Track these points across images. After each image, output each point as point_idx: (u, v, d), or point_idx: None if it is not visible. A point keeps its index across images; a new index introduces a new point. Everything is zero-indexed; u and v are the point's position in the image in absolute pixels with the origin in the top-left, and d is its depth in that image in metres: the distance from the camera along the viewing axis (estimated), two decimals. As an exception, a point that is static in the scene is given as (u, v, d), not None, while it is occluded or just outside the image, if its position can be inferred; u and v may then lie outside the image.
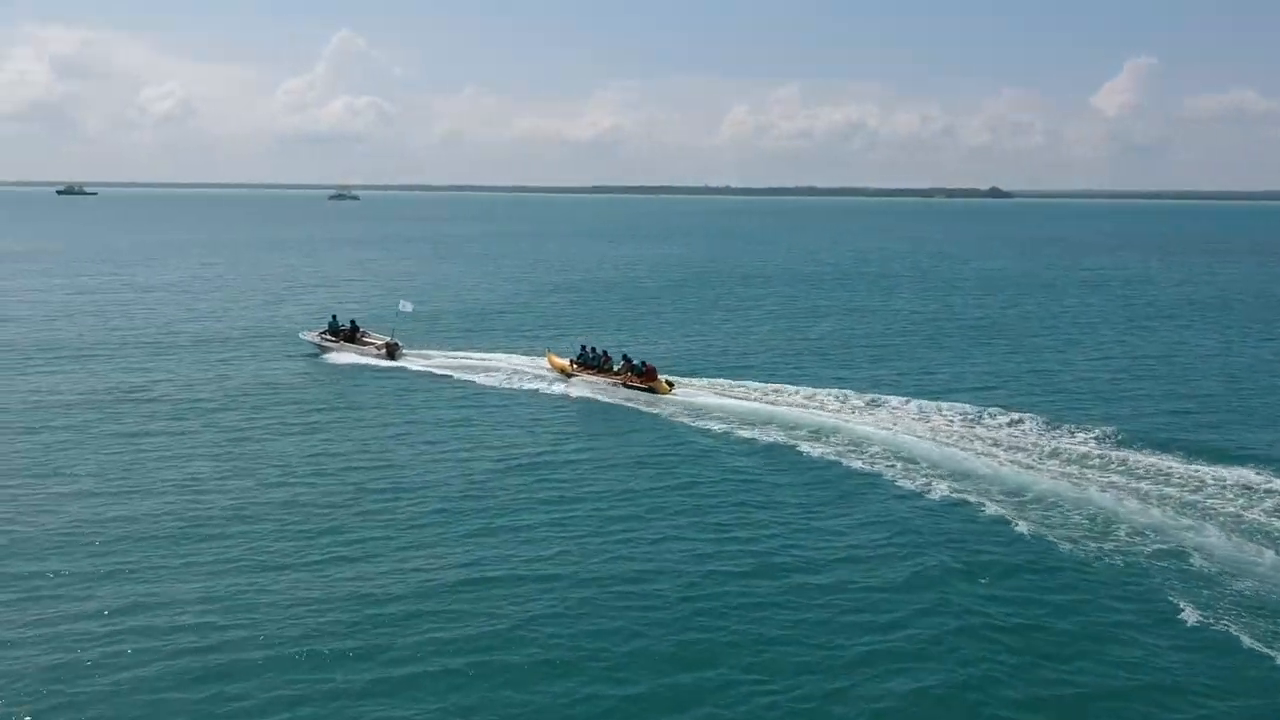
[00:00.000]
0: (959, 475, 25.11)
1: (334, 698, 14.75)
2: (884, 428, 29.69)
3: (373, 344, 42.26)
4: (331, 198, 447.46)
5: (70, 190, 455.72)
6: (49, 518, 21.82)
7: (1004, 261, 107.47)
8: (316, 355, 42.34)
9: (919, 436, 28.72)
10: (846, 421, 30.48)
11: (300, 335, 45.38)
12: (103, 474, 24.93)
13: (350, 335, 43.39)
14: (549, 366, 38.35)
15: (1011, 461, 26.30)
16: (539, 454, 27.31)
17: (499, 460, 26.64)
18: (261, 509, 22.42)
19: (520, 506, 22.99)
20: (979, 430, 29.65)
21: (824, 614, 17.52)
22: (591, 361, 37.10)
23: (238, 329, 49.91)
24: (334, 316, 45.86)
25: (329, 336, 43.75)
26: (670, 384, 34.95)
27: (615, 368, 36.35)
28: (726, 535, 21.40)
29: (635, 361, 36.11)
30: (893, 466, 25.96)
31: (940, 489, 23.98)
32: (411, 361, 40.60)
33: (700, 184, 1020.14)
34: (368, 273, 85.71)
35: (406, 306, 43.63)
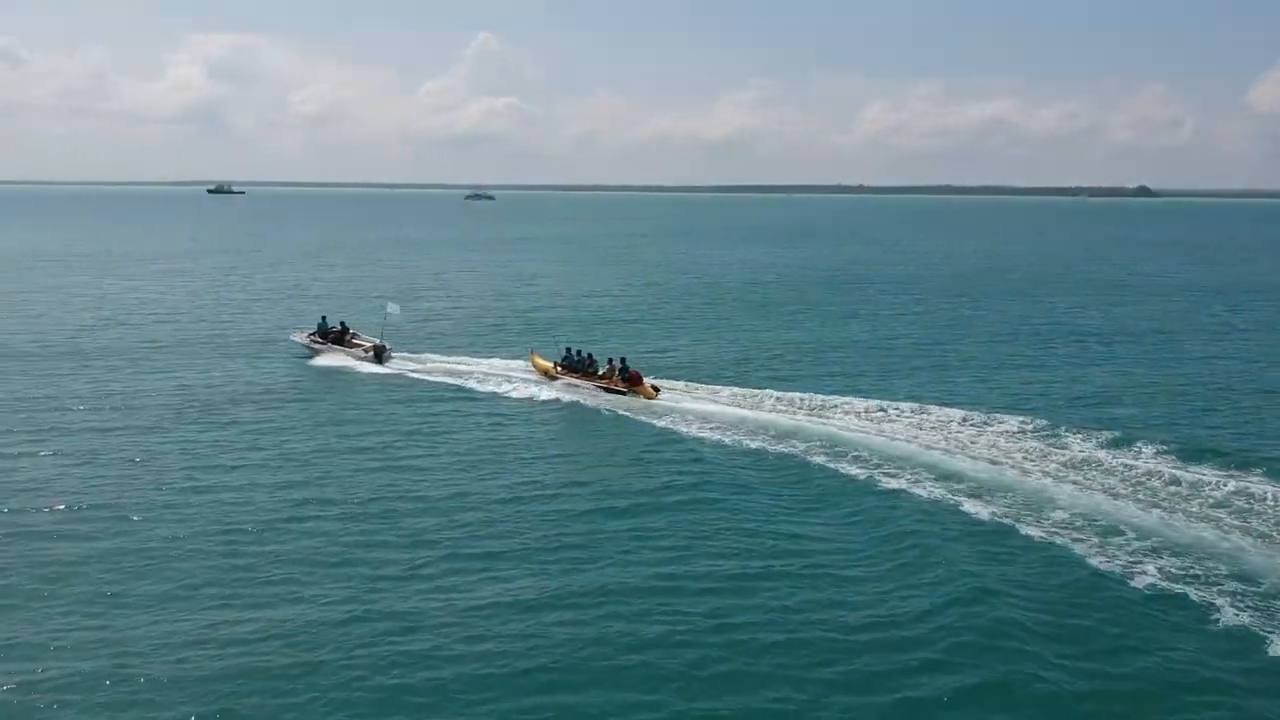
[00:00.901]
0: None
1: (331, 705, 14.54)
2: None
3: (360, 346, 41.64)
4: (468, 198, 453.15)
5: (220, 189, 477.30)
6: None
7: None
8: (308, 358, 41.71)
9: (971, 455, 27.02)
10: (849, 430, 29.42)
11: (290, 336, 44.99)
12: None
13: (339, 337, 42.74)
14: (532, 369, 37.73)
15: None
16: (501, 460, 26.74)
17: (454, 467, 26.04)
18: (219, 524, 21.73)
19: (473, 514, 22.39)
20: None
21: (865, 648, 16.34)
22: (576, 364, 36.35)
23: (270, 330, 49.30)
24: (324, 318, 45.12)
25: (317, 339, 43.10)
26: (656, 389, 34.07)
27: (600, 371, 35.55)
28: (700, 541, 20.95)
29: (619, 365, 35.22)
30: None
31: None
32: (399, 365, 39.86)
33: (833, 182, 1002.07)
34: (489, 275, 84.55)
35: (393, 309, 42.66)
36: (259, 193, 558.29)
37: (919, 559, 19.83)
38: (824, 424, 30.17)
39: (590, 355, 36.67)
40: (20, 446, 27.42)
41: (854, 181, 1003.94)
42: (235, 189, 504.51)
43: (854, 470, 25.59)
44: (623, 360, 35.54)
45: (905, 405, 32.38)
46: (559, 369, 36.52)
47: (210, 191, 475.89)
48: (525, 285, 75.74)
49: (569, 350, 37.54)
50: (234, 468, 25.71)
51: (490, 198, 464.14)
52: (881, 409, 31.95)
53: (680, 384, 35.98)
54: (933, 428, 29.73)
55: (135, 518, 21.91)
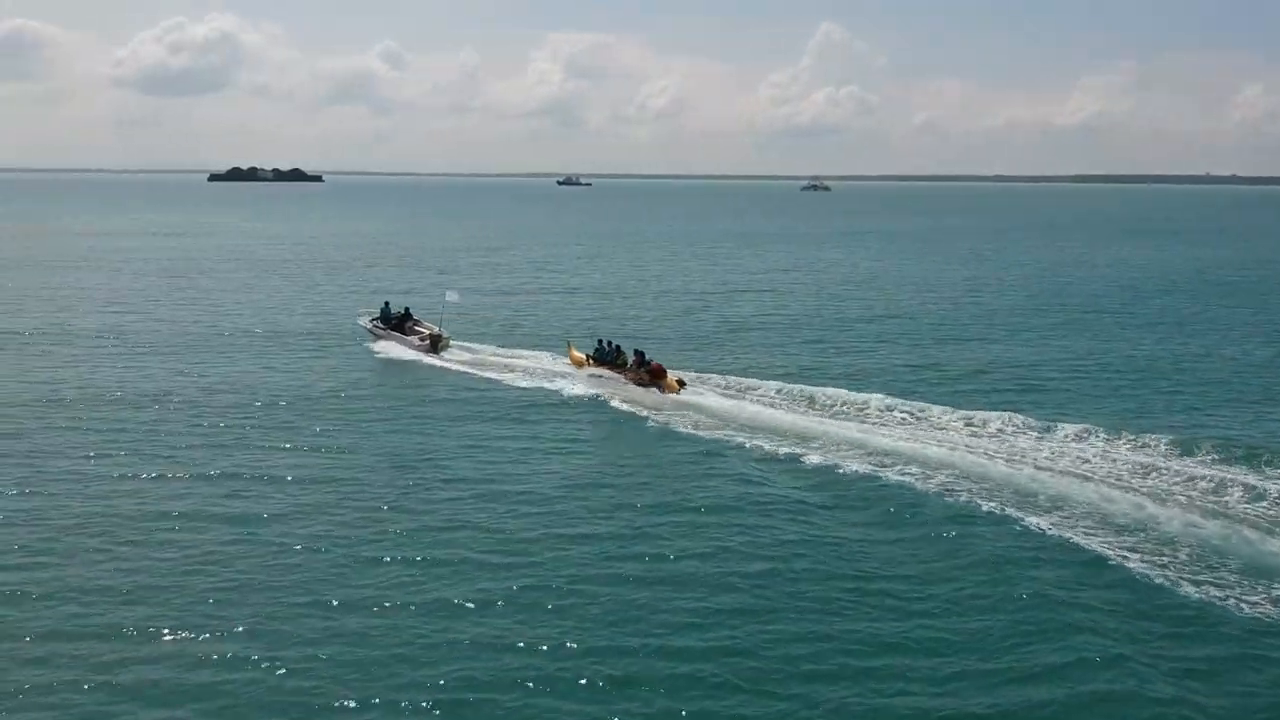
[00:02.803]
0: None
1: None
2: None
3: (417, 335, 41.05)
4: (804, 188, 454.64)
5: (569, 181, 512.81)
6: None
7: None
8: (373, 342, 42.38)
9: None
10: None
11: (356, 321, 45.27)
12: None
13: (399, 324, 42.36)
14: (569, 361, 37.79)
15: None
16: (510, 456, 26.66)
17: (463, 463, 26.06)
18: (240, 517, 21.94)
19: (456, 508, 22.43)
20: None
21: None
22: (605, 356, 36.38)
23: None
24: (386, 303, 44.89)
25: (379, 324, 42.93)
26: (681, 383, 33.42)
27: (628, 364, 35.20)
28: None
29: (646, 358, 34.84)
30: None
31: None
32: (455, 355, 39.80)
33: (1201, 172, 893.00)
34: (815, 273, 78.68)
35: (453, 296, 42.45)
36: (605, 184, 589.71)
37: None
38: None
39: (619, 346, 36.60)
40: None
41: (1226, 171, 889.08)
42: (583, 181, 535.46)
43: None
44: (639, 353, 35.28)
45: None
46: (590, 360, 36.74)
47: (560, 183, 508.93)
48: (857, 287, 68.53)
49: (601, 341, 37.51)
50: (230, 463, 25.94)
51: (827, 188, 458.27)
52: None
53: (720, 378, 35.13)
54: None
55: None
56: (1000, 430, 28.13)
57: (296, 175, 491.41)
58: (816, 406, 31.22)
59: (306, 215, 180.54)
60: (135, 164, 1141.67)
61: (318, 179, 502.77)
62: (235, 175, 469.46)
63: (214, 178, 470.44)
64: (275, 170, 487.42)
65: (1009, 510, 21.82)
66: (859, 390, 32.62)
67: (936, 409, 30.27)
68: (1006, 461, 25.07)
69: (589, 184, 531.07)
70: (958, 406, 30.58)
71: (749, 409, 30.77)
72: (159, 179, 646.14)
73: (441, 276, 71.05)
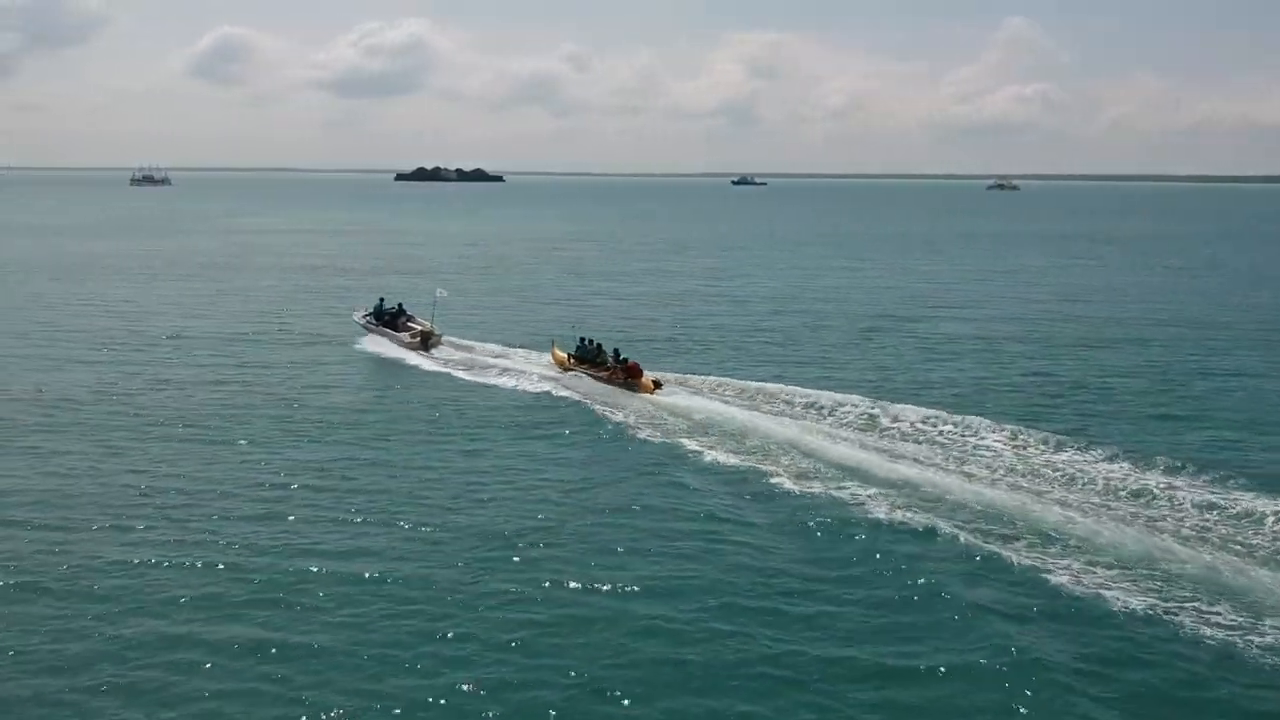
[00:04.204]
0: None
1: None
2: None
3: (408, 332, 40.91)
4: (990, 188, 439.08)
5: (743, 181, 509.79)
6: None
7: None
8: (365, 337, 42.75)
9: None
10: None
11: (353, 316, 45.31)
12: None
13: (392, 321, 42.32)
14: (551, 361, 37.36)
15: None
16: (475, 461, 26.37)
17: (409, 464, 25.96)
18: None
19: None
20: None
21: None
22: (587, 355, 36.06)
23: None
24: (381, 299, 44.94)
25: (372, 320, 43.14)
26: (657, 384, 32.93)
27: (608, 363, 34.87)
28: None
29: (621, 356, 34.67)
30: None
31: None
32: (445, 353, 39.50)
33: None
34: (1020, 283, 71.54)
35: (441, 293, 42.42)
36: (780, 184, 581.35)
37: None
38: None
39: (600, 346, 36.13)
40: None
41: None
42: (758, 180, 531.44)
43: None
44: (615, 351, 35.10)
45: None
46: (572, 360, 36.34)
47: (734, 183, 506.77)
48: (1056, 303, 59.84)
49: (583, 340, 37.05)
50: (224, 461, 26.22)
51: (1015, 188, 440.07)
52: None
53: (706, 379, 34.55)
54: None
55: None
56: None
57: (478, 175, 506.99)
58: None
59: (481, 213, 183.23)
60: (331, 164, 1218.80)
61: (498, 179, 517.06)
62: (420, 175, 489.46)
63: (400, 177, 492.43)
64: (458, 170, 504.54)
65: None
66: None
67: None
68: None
69: (764, 184, 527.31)
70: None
71: (728, 411, 30.04)
72: (352, 179, 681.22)
73: (607, 284, 68.13)
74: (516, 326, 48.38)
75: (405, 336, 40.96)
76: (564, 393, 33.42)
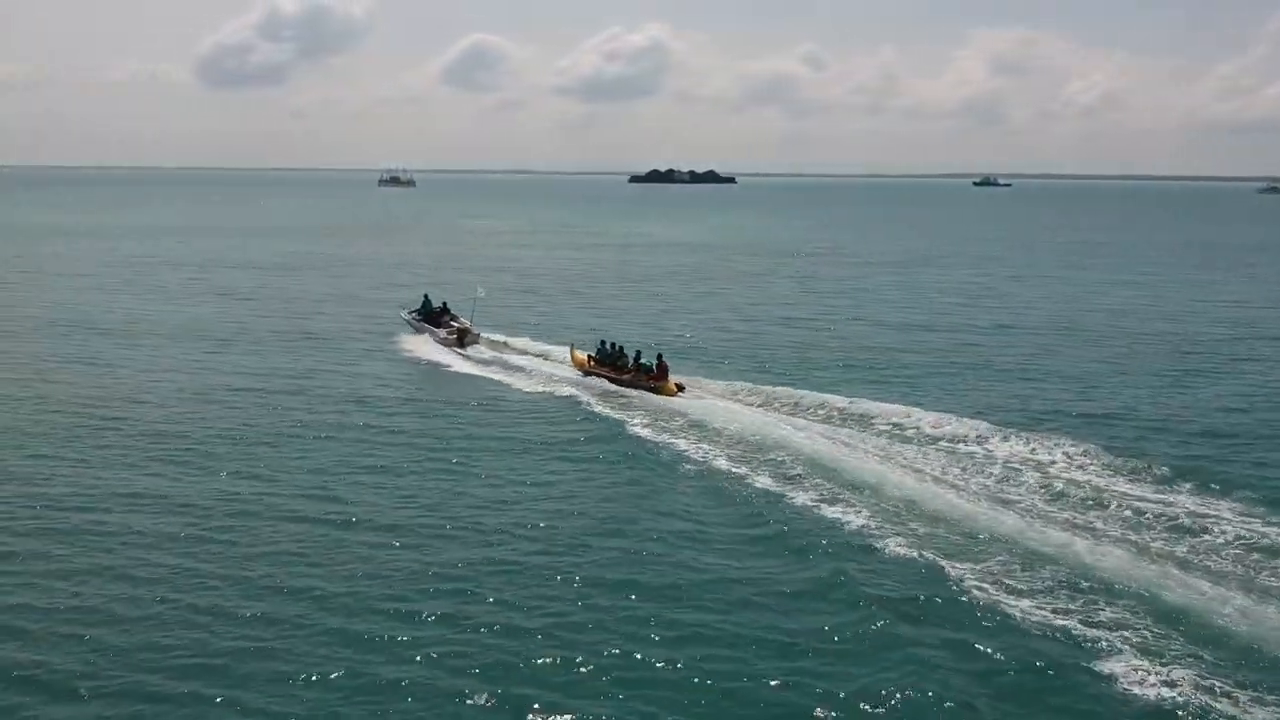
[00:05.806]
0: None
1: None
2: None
3: (446, 329, 42.32)
4: (1261, 190, 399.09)
5: (986, 182, 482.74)
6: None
7: None
8: (410, 334, 44.27)
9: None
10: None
11: (400, 314, 47.04)
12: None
13: (436, 318, 43.90)
14: (571, 363, 36.89)
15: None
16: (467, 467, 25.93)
17: (422, 464, 26.00)
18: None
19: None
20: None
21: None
22: (607, 358, 35.54)
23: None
24: (426, 296, 46.42)
25: (417, 317, 44.98)
26: (680, 386, 32.64)
27: (629, 365, 34.52)
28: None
29: (645, 360, 34.20)
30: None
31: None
32: (479, 351, 40.48)
33: None
34: None
35: (481, 293, 43.95)
36: (1025, 185, 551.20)
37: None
38: None
39: (621, 348, 35.60)
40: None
41: None
42: (1001, 181, 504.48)
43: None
44: (637, 354, 34.70)
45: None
46: (592, 362, 35.95)
47: (976, 184, 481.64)
48: None
49: (603, 343, 36.65)
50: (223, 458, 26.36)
51: (1005, 185, 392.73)
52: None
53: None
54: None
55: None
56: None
57: (711, 177, 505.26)
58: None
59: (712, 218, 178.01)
60: (569, 166, 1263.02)
61: (730, 180, 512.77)
62: (653, 177, 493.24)
63: (634, 179, 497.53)
64: (691, 172, 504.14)
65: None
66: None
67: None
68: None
69: (1008, 185, 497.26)
70: None
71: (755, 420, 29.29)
72: (587, 180, 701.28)
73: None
74: (749, 360, 40.45)
75: (442, 333, 42.60)
76: (585, 394, 33.37)
